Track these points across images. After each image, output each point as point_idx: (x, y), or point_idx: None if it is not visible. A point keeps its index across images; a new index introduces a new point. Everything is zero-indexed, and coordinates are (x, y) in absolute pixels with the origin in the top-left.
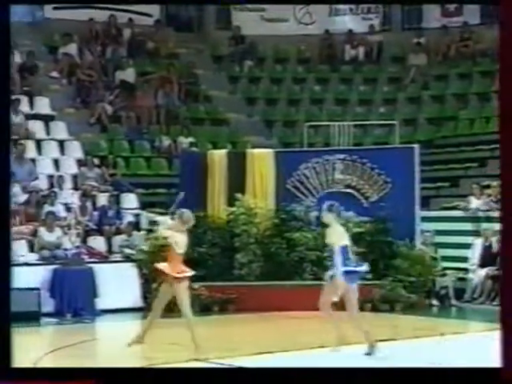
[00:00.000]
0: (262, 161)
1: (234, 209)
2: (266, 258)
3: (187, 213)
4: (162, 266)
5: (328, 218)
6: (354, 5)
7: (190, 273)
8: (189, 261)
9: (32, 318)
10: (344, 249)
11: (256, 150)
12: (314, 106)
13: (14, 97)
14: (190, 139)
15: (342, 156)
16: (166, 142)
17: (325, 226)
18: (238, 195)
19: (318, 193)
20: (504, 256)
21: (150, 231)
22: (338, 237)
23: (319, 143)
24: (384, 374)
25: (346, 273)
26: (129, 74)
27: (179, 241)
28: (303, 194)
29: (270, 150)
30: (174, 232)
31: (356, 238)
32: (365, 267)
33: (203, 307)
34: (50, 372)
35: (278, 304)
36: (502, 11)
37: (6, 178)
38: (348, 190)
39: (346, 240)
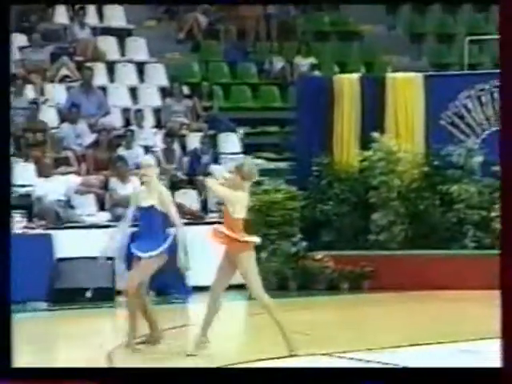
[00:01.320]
0: (406, 88)
1: (369, 153)
2: (413, 219)
3: (249, 164)
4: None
5: None
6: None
7: (255, 239)
8: (310, 222)
9: (104, 296)
10: None
11: (399, 74)
12: (478, 14)
13: (78, 5)
14: (311, 60)
15: None
16: (279, 63)
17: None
18: (375, 135)
19: (484, 131)
20: (504, 255)
21: (257, 183)
22: None
23: (485, 64)
24: (384, 374)
25: None
26: None
27: (238, 202)
28: (463, 132)
29: (419, 74)
30: (231, 190)
31: None
32: None
33: (329, 284)
34: (50, 372)
35: (429, 280)
36: (502, 11)
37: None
38: None
39: None
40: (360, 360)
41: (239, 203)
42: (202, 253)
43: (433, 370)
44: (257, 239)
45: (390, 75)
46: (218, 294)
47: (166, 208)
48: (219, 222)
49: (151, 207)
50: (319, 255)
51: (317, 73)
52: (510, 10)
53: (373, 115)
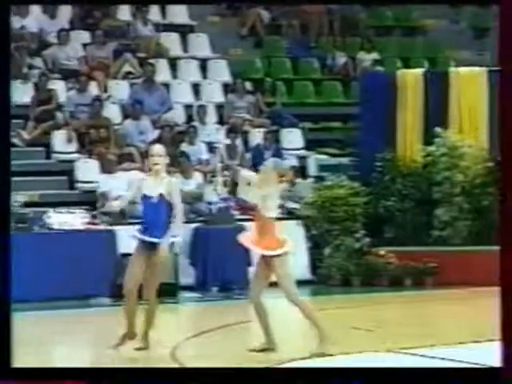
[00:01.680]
0: (470, 83)
1: (432, 148)
2: (476, 215)
3: (280, 163)
4: (244, 238)
5: None
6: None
7: (286, 248)
8: (373, 218)
9: (167, 291)
10: None
11: (463, 69)
12: None
13: (141, 2)
14: (374, 55)
15: None
16: (342, 59)
17: None
18: (439, 130)
19: None
20: (504, 254)
21: (319, 178)
22: None
23: None
24: (384, 374)
25: None
26: None
27: (270, 198)
28: None
29: (482, 69)
30: (262, 188)
31: None
32: None
33: (392, 280)
34: (50, 372)
35: (493, 276)
36: (502, 11)
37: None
38: None
39: None
40: (423, 356)
41: (271, 200)
42: None
43: (433, 370)
44: (287, 247)
45: (453, 70)
46: (258, 299)
47: (172, 199)
48: (282, 219)
49: (160, 196)
50: (382, 251)
51: (380, 68)
52: (510, 10)
53: (436, 110)
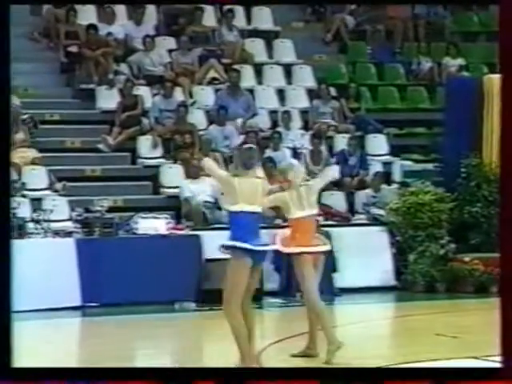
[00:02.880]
0: None
1: None
2: None
3: (292, 165)
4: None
5: None
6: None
7: (314, 247)
8: (458, 224)
9: (253, 296)
10: None
11: None
12: None
13: (226, 7)
14: (460, 61)
15: None
16: (427, 64)
17: None
18: None
19: None
20: (503, 253)
21: (404, 184)
22: None
23: None
24: (383, 374)
25: None
26: None
27: (290, 202)
28: None
29: None
30: (281, 192)
31: None
32: None
33: (478, 286)
34: (50, 372)
35: None
36: (501, 11)
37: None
38: None
39: None
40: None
41: (287, 203)
42: (349, 254)
43: (433, 370)
44: (316, 246)
45: None
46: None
47: None
48: (369, 224)
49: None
50: (468, 258)
51: (465, 73)
52: (510, 10)
53: None
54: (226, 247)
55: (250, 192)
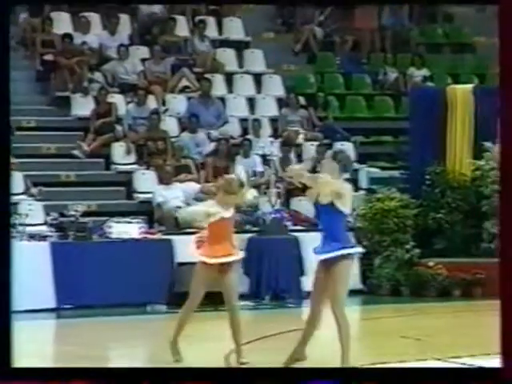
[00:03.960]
0: None
1: (481, 162)
2: None
3: (235, 179)
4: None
5: None
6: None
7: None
8: (423, 230)
9: (223, 299)
10: None
11: None
12: None
13: (198, 18)
14: (424, 71)
15: None
16: (393, 75)
17: None
18: (488, 144)
19: None
20: (503, 252)
21: (370, 191)
22: None
23: None
24: (383, 374)
25: None
26: None
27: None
28: None
29: None
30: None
31: None
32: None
33: (441, 290)
34: (50, 372)
35: None
36: (501, 11)
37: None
38: None
39: None
40: (472, 365)
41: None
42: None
43: (433, 369)
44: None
45: None
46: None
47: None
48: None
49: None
50: (431, 262)
51: (430, 84)
52: (509, 9)
53: (485, 125)
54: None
55: None
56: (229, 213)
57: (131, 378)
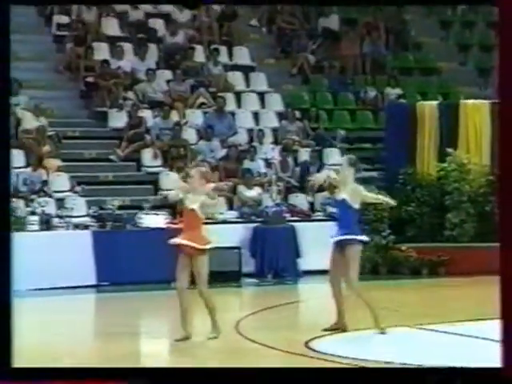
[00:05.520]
0: (476, 113)
1: (445, 165)
2: (480, 218)
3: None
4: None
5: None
6: None
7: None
8: (397, 220)
9: (233, 277)
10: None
11: (470, 102)
12: None
13: (213, 47)
14: (398, 90)
15: None
16: (372, 93)
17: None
18: (450, 150)
19: None
20: (503, 253)
21: None
22: None
23: None
24: (383, 374)
25: None
26: (333, 21)
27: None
28: None
29: (485, 101)
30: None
31: None
32: None
33: (412, 270)
34: (50, 372)
35: (494, 267)
36: (501, 11)
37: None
38: None
39: None
40: (437, 331)
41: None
42: (311, 244)
43: (433, 369)
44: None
45: (462, 102)
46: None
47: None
48: (325, 220)
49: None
50: (404, 247)
51: (402, 100)
52: (509, 9)
53: (448, 134)
54: None
55: None
56: (195, 205)
57: (131, 377)
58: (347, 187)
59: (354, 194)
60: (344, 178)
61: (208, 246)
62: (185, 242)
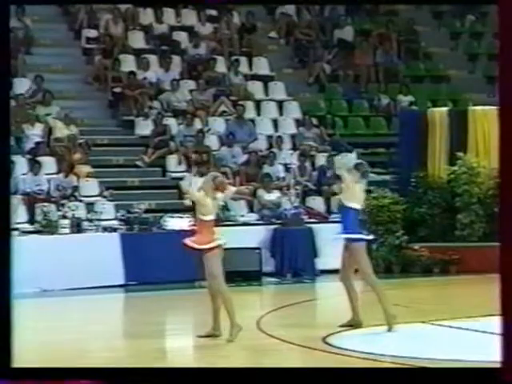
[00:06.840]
0: (484, 118)
1: (455, 168)
2: (489, 219)
3: (220, 178)
4: (188, 241)
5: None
6: None
7: (220, 241)
8: (409, 221)
9: (253, 277)
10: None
11: (478, 108)
12: None
13: (233, 57)
14: (410, 97)
15: None
16: (385, 100)
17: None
18: (460, 154)
19: None
20: (503, 253)
21: (368, 191)
22: None
23: None
24: (383, 374)
25: None
26: (347, 33)
27: (206, 206)
28: None
29: (493, 107)
30: (205, 195)
31: None
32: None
33: (424, 268)
34: (50, 372)
35: None
36: (501, 11)
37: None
38: None
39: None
40: (449, 326)
41: (208, 207)
42: (328, 244)
43: (433, 369)
44: (221, 241)
45: (471, 109)
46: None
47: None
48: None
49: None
50: (416, 246)
51: (414, 107)
52: (509, 9)
53: (458, 139)
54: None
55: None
56: (208, 217)
57: (130, 377)
58: (349, 190)
59: (353, 196)
60: (347, 182)
61: (206, 246)
62: (186, 242)
